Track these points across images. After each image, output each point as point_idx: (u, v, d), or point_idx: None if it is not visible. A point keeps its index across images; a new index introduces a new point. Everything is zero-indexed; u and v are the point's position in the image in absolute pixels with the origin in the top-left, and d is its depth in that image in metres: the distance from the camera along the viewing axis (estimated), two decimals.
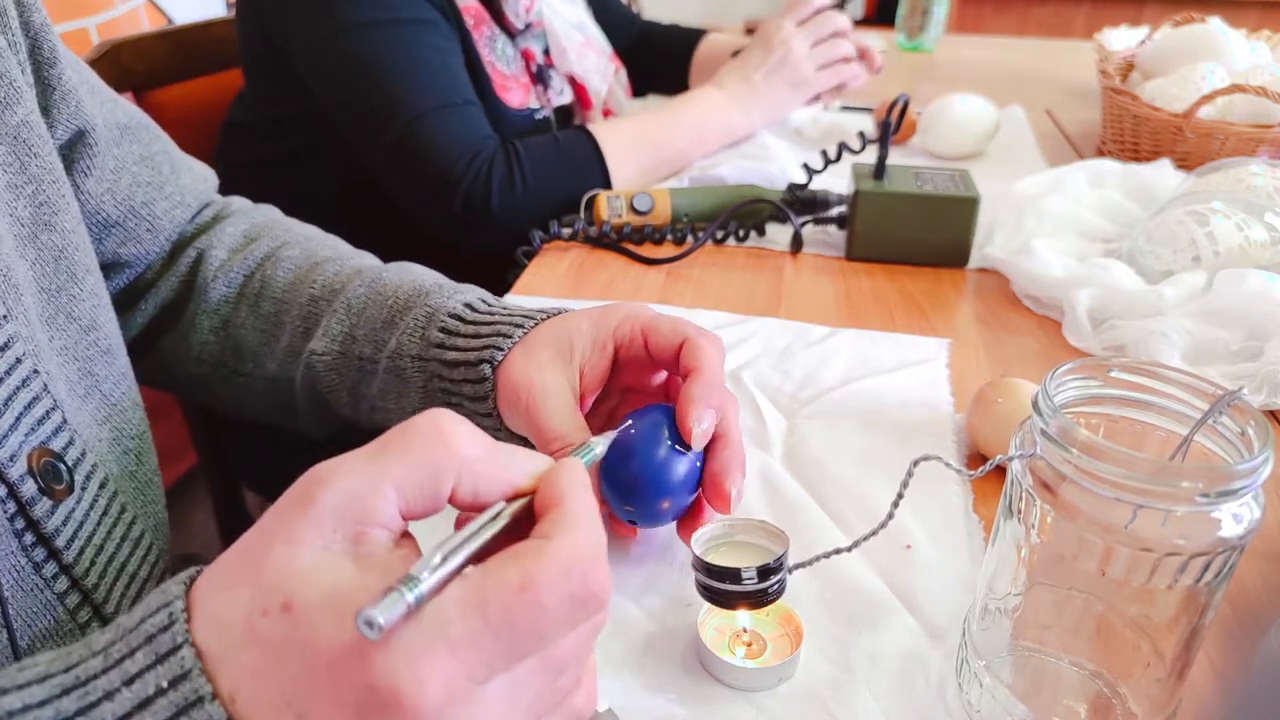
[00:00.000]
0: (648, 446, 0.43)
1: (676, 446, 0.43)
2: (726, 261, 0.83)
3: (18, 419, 0.40)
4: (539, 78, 1.09)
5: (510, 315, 0.51)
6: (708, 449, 0.45)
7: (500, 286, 0.59)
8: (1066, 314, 0.69)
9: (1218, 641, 0.43)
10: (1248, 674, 0.39)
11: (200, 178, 0.65)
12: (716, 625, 0.42)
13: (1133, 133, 1.01)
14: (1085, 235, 0.80)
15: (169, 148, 0.62)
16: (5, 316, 0.41)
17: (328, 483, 0.28)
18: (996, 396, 0.53)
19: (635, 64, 1.30)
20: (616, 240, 0.84)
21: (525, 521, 0.30)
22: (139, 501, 0.50)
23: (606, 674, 0.40)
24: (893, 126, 0.82)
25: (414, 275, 0.57)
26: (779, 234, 0.87)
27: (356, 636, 0.25)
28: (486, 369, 0.48)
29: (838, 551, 0.40)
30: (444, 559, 0.27)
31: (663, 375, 0.50)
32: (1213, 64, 0.99)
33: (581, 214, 0.86)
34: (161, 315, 0.62)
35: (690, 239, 0.84)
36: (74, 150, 0.53)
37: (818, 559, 0.41)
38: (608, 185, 0.94)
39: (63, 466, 0.42)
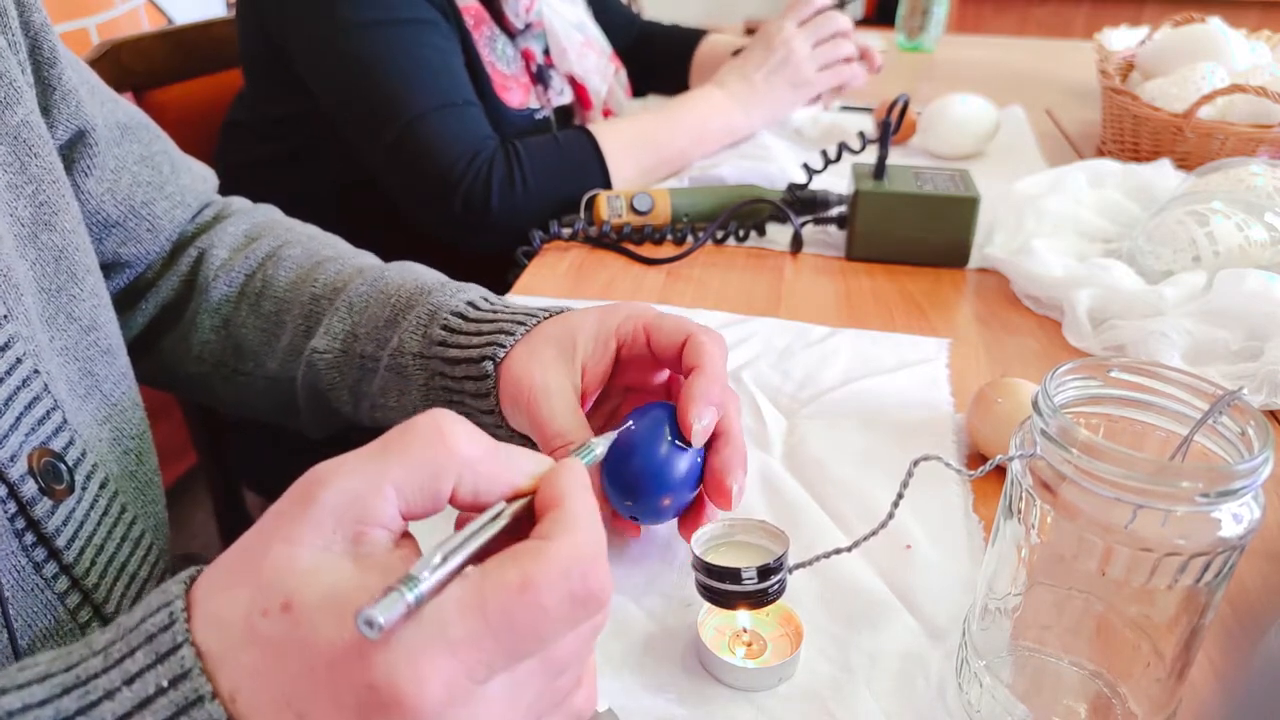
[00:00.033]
0: (649, 443, 0.43)
1: (678, 443, 0.43)
2: (726, 261, 0.83)
3: (18, 419, 0.40)
4: (539, 78, 1.09)
5: (513, 313, 0.51)
6: (710, 446, 0.45)
7: (500, 286, 0.59)
8: (1066, 314, 0.69)
9: (1218, 641, 0.43)
10: (1248, 674, 0.39)
11: (200, 178, 0.65)
12: (716, 625, 0.42)
13: (1133, 133, 1.01)
14: (1085, 235, 0.80)
15: (169, 148, 0.62)
16: (6, 316, 0.41)
17: (328, 483, 0.28)
18: (996, 396, 0.53)
19: (635, 64, 1.30)
20: (616, 240, 0.84)
21: (525, 522, 0.30)
22: (139, 501, 0.50)
23: (606, 674, 0.40)
24: (893, 126, 0.82)
25: (416, 274, 0.57)
26: (779, 234, 0.87)
27: (356, 636, 0.25)
28: (489, 366, 0.48)
29: (838, 551, 0.40)
30: (444, 559, 0.27)
31: (665, 374, 0.50)
32: (1213, 64, 0.99)
33: (581, 214, 0.86)
34: (162, 315, 0.62)
35: (690, 239, 0.84)
36: (74, 150, 0.53)
37: (818, 559, 0.41)
38: (608, 185, 0.94)
39: (63, 466, 0.42)
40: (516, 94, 1.04)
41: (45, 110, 0.50)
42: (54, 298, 0.46)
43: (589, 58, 1.14)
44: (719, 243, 0.86)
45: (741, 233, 0.85)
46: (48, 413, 0.42)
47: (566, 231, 0.84)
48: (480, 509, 0.30)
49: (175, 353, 0.62)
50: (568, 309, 0.50)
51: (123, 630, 0.28)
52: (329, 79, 0.94)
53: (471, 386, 0.49)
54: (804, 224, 0.85)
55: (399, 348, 0.52)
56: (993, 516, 0.42)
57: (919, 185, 0.80)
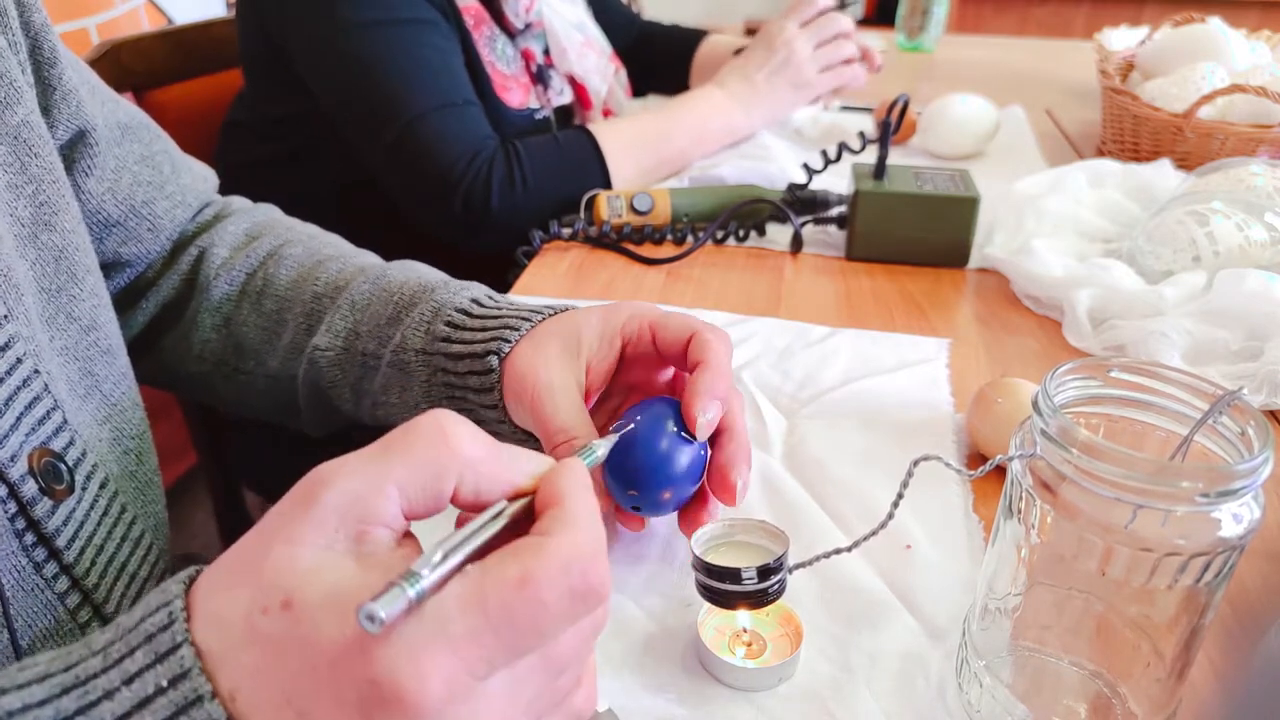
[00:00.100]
0: (654, 434, 0.43)
1: (683, 434, 0.43)
2: (726, 261, 0.83)
3: (18, 419, 0.40)
4: (539, 78, 1.09)
5: (517, 310, 0.51)
6: (714, 442, 0.45)
7: (500, 286, 0.59)
8: (1066, 314, 0.69)
9: (1218, 641, 0.43)
10: (1248, 674, 0.39)
11: (201, 177, 0.65)
12: (716, 625, 0.42)
13: (1133, 133, 1.01)
14: (1085, 235, 0.80)
15: (169, 147, 0.62)
16: (6, 316, 0.41)
17: (330, 483, 0.28)
18: (996, 396, 0.53)
19: (635, 64, 1.30)
20: (616, 240, 0.84)
21: (526, 522, 0.30)
22: (139, 501, 0.50)
23: (606, 674, 0.40)
24: (893, 126, 0.82)
25: (419, 272, 0.57)
26: (779, 234, 0.87)
27: (358, 633, 0.25)
28: (493, 360, 0.48)
29: (838, 551, 0.41)
30: (445, 556, 0.27)
31: (669, 373, 0.50)
32: (1213, 64, 0.99)
33: (581, 214, 0.86)
34: (163, 314, 0.62)
35: (690, 239, 0.84)
36: (74, 150, 0.53)
37: (818, 559, 0.41)
38: (608, 185, 0.94)
39: (63, 466, 0.42)
40: (516, 94, 1.04)
41: (45, 110, 0.50)
42: (54, 298, 0.46)
43: (589, 58, 1.14)
44: (719, 243, 0.86)
45: (741, 233, 0.85)
46: (48, 413, 0.42)
47: (566, 231, 0.84)
48: (481, 508, 0.30)
49: (176, 352, 0.62)
50: (571, 307, 0.50)
51: (122, 630, 0.28)
52: (329, 79, 0.94)
53: (475, 382, 0.49)
54: (804, 224, 0.85)
55: (401, 344, 0.52)
56: (993, 516, 0.42)
57: (919, 185, 0.80)
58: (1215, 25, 1.07)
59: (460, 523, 0.32)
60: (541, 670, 0.28)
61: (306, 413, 0.59)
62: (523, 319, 0.50)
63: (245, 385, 0.61)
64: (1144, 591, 0.33)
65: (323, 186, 1.02)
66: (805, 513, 0.50)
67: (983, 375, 0.63)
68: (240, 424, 1.11)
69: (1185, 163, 0.93)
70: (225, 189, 0.69)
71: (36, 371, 0.42)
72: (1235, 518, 0.31)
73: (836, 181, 0.90)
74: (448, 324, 0.51)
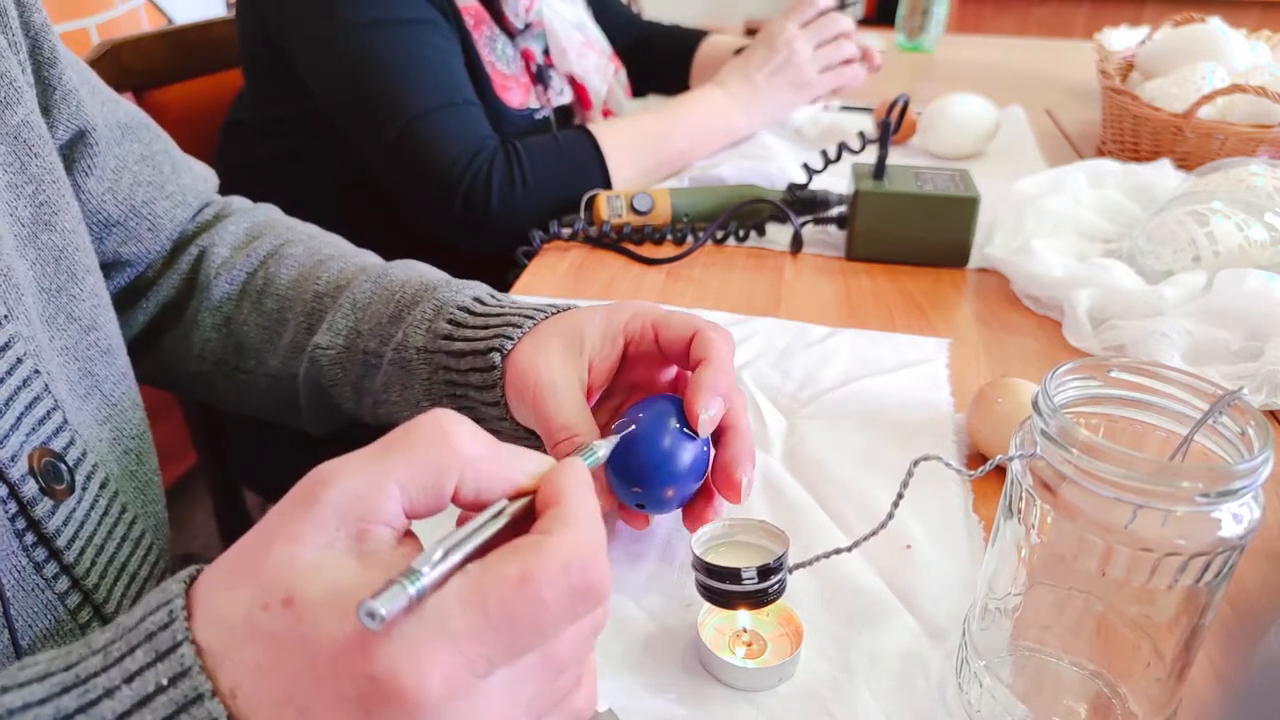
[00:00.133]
0: (657, 430, 0.43)
1: (685, 431, 0.44)
2: (726, 261, 0.83)
3: (19, 419, 0.40)
4: (539, 78, 1.09)
5: (520, 308, 0.51)
6: (719, 440, 0.45)
7: (500, 286, 0.59)
8: (1066, 314, 0.69)
9: (1218, 641, 0.43)
10: (1248, 674, 0.39)
11: (201, 177, 0.65)
12: (716, 625, 0.42)
13: (1133, 133, 1.01)
14: (1085, 235, 0.80)
15: (170, 147, 0.62)
16: (6, 316, 0.41)
17: (331, 482, 0.28)
18: (996, 396, 0.53)
19: (635, 64, 1.30)
20: (616, 240, 0.84)
21: (526, 521, 0.30)
22: (139, 501, 0.50)
23: (606, 674, 0.40)
24: (893, 126, 0.82)
25: (420, 271, 0.57)
26: (779, 234, 0.87)
27: (358, 630, 0.25)
28: (495, 358, 0.49)
29: (838, 551, 0.41)
30: (445, 554, 0.27)
31: (671, 372, 0.50)
32: (1213, 64, 0.99)
33: (581, 214, 0.86)
34: (163, 313, 0.62)
35: (690, 239, 0.84)
36: (74, 150, 0.53)
37: (818, 559, 0.41)
38: (608, 185, 0.94)
39: (63, 466, 0.42)
40: (516, 94, 1.04)
41: (45, 110, 0.50)
42: (54, 298, 0.46)
43: (589, 58, 1.14)
44: (719, 243, 0.86)
45: (741, 233, 0.85)
46: (48, 413, 0.42)
47: (566, 231, 0.84)
48: (482, 508, 0.30)
49: (176, 351, 0.62)
50: (574, 307, 0.51)
51: (122, 629, 0.28)
52: (329, 79, 0.94)
53: (477, 379, 0.49)
54: (804, 224, 0.85)
55: (403, 342, 0.52)
56: (993, 516, 0.42)
57: (919, 185, 0.80)
58: (1215, 25, 1.07)
59: (461, 522, 0.32)
60: (542, 669, 0.28)
61: (307, 411, 0.59)
62: (525, 316, 0.50)
63: (246, 384, 0.61)
64: (1144, 591, 0.33)
65: (323, 186, 1.02)
66: (805, 513, 0.50)
67: (983, 375, 0.63)
68: (240, 424, 1.11)
69: (1185, 163, 0.93)
70: (225, 189, 0.69)
71: (37, 371, 0.42)
72: (1235, 518, 0.31)
73: (836, 181, 0.90)
74: (450, 322, 0.51)
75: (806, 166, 0.87)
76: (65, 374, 0.46)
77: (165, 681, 0.26)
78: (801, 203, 0.87)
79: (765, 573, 0.39)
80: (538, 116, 1.07)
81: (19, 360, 0.41)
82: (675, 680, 0.40)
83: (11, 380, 0.40)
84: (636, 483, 0.43)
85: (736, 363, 0.64)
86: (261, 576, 0.27)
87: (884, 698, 0.39)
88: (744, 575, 0.39)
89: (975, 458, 0.55)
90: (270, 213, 0.68)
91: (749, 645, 0.41)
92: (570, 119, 1.17)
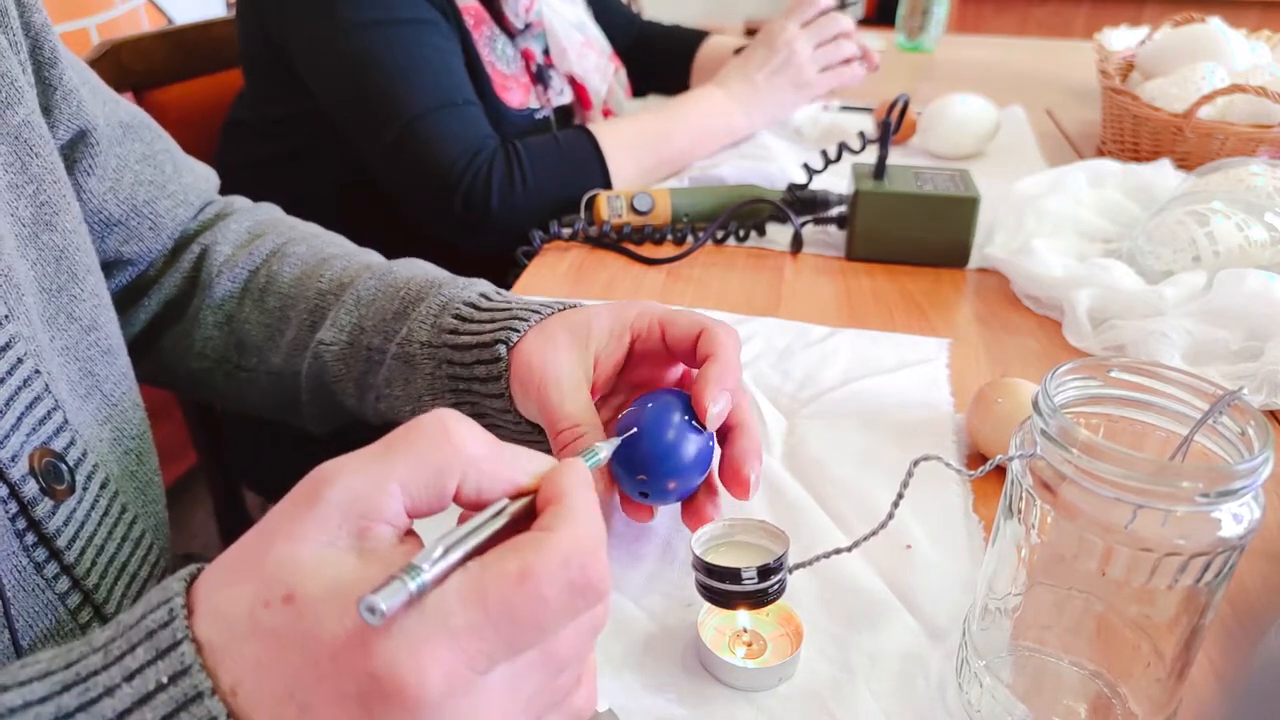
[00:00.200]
0: (665, 420, 0.44)
1: (693, 422, 0.44)
2: (726, 261, 0.83)
3: (19, 419, 0.40)
4: (539, 78, 1.09)
5: (526, 304, 0.51)
6: (726, 437, 0.45)
7: (500, 286, 0.59)
8: (1066, 314, 0.69)
9: (1218, 641, 0.43)
10: (1248, 674, 0.39)
11: (202, 177, 0.66)
12: (716, 625, 0.42)
13: (1133, 133, 1.01)
14: (1085, 235, 0.80)
15: (171, 147, 0.62)
16: (7, 317, 0.41)
17: (333, 481, 0.28)
18: (996, 396, 0.53)
19: (635, 64, 1.30)
20: (616, 240, 0.84)
21: (527, 520, 0.30)
22: (139, 501, 0.50)
23: (606, 674, 0.40)
24: (893, 126, 0.82)
25: (424, 269, 0.58)
26: (779, 234, 0.87)
27: (359, 626, 0.25)
28: (501, 349, 0.49)
29: (838, 551, 0.41)
30: (446, 551, 0.27)
31: (676, 372, 0.51)
32: (1213, 64, 0.99)
33: (581, 214, 0.86)
34: (164, 312, 0.62)
35: (690, 239, 0.84)
36: (75, 150, 0.53)
37: (818, 559, 0.41)
38: (608, 185, 0.94)
39: (64, 467, 0.42)
40: (516, 94, 1.04)
41: (46, 110, 0.50)
42: (55, 298, 0.46)
43: (589, 58, 1.14)
44: (719, 243, 0.86)
45: (741, 233, 0.85)
46: (49, 413, 0.42)
47: (566, 231, 0.84)
48: (483, 507, 0.30)
49: (177, 350, 0.62)
50: (579, 304, 0.51)
51: (123, 627, 0.28)
52: (329, 79, 0.94)
53: (482, 371, 0.50)
54: (804, 224, 0.85)
55: (407, 337, 0.53)
56: (993, 516, 0.42)
57: (919, 185, 0.80)
58: (1215, 25, 1.07)
59: (462, 521, 0.32)
60: (541, 667, 0.28)
61: (308, 409, 0.59)
62: (532, 311, 0.50)
63: (247, 382, 0.61)
64: (1144, 591, 0.33)
65: (323, 186, 1.02)
66: (805, 513, 0.50)
67: (983, 375, 0.63)
68: (240, 424, 1.11)
69: (1185, 163, 0.93)
70: (225, 189, 0.69)
71: (37, 372, 0.42)
72: (1235, 518, 0.31)
73: (836, 181, 0.90)
74: (455, 317, 0.52)
75: (806, 166, 0.87)
76: (66, 374, 0.46)
77: (165, 679, 0.26)
78: (801, 203, 0.87)
79: (765, 573, 0.39)
80: (538, 116, 1.07)
81: (20, 360, 0.41)
82: (675, 680, 0.40)
83: (12, 380, 0.40)
84: (642, 471, 0.44)
85: None
86: (263, 574, 0.27)
87: (884, 698, 0.39)
88: (744, 575, 0.39)
89: (975, 458, 0.55)
90: (272, 212, 0.68)
91: (749, 645, 0.41)
92: (570, 119, 1.17)
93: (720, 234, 0.85)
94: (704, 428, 0.44)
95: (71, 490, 0.43)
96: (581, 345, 0.47)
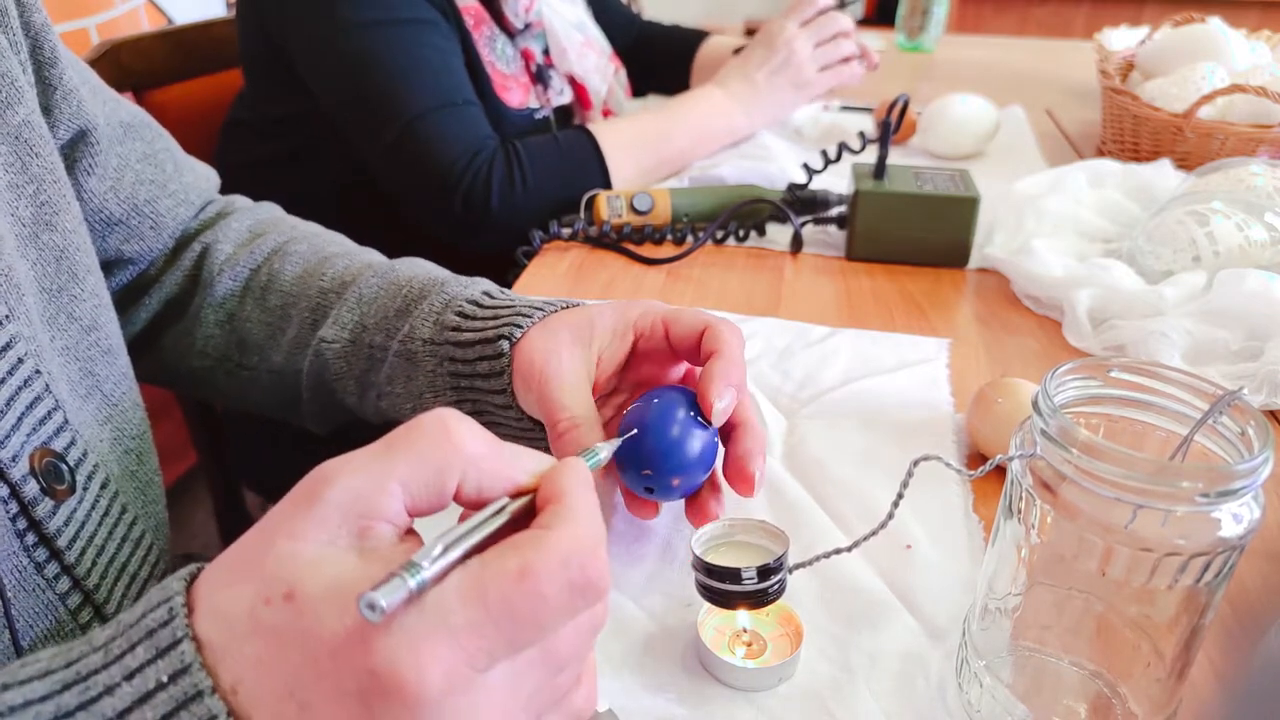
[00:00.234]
0: (670, 415, 0.44)
1: (698, 418, 0.44)
2: (726, 261, 0.83)
3: (20, 419, 0.40)
4: (539, 78, 1.09)
5: (529, 301, 0.52)
6: (731, 435, 0.46)
7: (500, 286, 0.60)
8: (1066, 314, 0.69)
9: (1218, 641, 0.43)
10: (1248, 674, 0.39)
11: (203, 176, 0.66)
12: (716, 625, 0.42)
13: (1133, 133, 1.01)
14: (1085, 235, 0.80)
15: (172, 146, 0.62)
16: (7, 317, 0.41)
17: (334, 480, 0.28)
18: (996, 396, 0.53)
19: (635, 64, 1.30)
20: (616, 240, 0.84)
21: (527, 519, 0.30)
22: (140, 501, 0.50)
23: (606, 674, 0.40)
24: (893, 126, 0.82)
25: (426, 268, 0.58)
26: (779, 234, 0.87)
27: (359, 624, 0.25)
28: (504, 345, 0.49)
29: (838, 551, 0.41)
30: (445, 549, 0.27)
31: (679, 371, 0.51)
32: (1213, 64, 0.99)
33: (581, 214, 0.86)
34: (165, 310, 0.62)
35: (690, 239, 0.84)
36: (76, 149, 0.53)
37: (818, 559, 0.41)
38: (608, 185, 0.94)
39: (64, 467, 0.42)
40: (516, 94, 1.04)
41: (46, 110, 0.50)
42: (55, 298, 0.46)
43: (589, 58, 1.14)
44: (719, 243, 0.86)
45: (741, 233, 0.85)
46: (49, 413, 0.42)
47: (566, 231, 0.84)
48: (483, 506, 0.30)
49: (178, 349, 0.62)
50: (582, 303, 0.51)
51: (123, 626, 0.28)
52: (329, 79, 0.94)
53: (484, 367, 0.50)
54: (804, 224, 0.85)
55: (409, 334, 0.53)
56: (993, 516, 0.42)
57: (919, 185, 0.80)
58: (1215, 25, 1.07)
59: (463, 520, 0.32)
60: (541, 665, 0.29)
61: (309, 407, 0.60)
62: (535, 309, 0.50)
63: (248, 381, 0.61)
64: (1144, 591, 0.33)
65: (323, 186, 1.03)
66: (805, 513, 0.50)
67: (983, 375, 0.63)
68: (240, 424, 1.11)
69: (1185, 163, 0.93)
70: (225, 189, 0.69)
71: (38, 372, 0.42)
72: (1235, 518, 0.31)
73: (836, 181, 0.90)
74: (458, 314, 0.52)
75: (806, 166, 0.87)
76: (66, 374, 0.46)
77: (165, 678, 0.26)
78: (801, 203, 0.87)
79: (765, 573, 0.39)
80: (538, 116, 1.07)
81: (20, 360, 0.41)
82: (675, 680, 0.40)
83: (13, 380, 0.40)
84: (647, 466, 0.44)
85: None
86: (263, 572, 0.27)
87: (884, 698, 0.39)
88: (744, 575, 0.39)
89: (975, 458, 0.55)
90: (273, 211, 0.68)
91: (749, 645, 0.41)
92: (570, 119, 1.17)
93: (720, 234, 0.85)
94: (709, 424, 0.44)
95: (72, 490, 0.43)
96: (584, 343, 0.47)
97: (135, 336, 0.61)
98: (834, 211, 0.86)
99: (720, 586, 0.40)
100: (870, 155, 0.84)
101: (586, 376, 0.46)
